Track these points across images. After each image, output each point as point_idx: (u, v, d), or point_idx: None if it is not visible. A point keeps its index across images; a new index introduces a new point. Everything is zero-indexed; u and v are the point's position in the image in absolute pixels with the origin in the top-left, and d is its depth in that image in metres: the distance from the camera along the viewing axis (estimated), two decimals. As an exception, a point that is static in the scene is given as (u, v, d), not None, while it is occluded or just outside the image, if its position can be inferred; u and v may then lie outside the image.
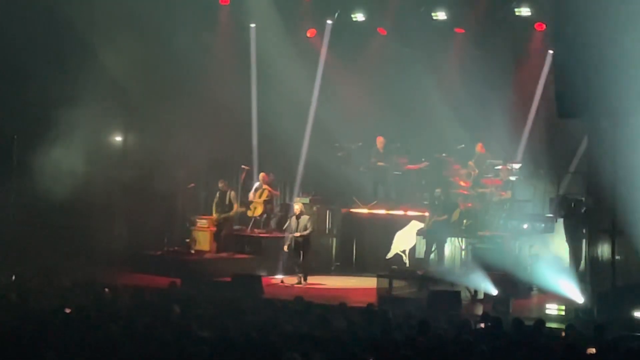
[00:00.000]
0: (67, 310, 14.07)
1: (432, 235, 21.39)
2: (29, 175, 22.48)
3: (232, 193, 23.63)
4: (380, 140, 24.26)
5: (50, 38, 22.85)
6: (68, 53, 23.03)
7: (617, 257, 17.96)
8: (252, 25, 25.92)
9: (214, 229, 23.50)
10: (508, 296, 18.35)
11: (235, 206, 23.65)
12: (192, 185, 24.32)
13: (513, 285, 19.41)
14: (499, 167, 22.97)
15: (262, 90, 25.80)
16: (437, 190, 22.15)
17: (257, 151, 25.82)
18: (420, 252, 21.99)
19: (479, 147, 23.51)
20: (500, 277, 19.32)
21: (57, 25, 22.76)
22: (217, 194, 23.63)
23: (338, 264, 24.19)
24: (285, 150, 25.10)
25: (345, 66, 25.73)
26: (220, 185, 23.68)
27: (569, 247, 20.43)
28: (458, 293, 18.66)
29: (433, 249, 21.51)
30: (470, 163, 23.39)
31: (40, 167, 22.55)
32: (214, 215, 23.52)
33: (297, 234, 21.67)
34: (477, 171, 23.19)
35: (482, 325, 14.09)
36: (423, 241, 21.59)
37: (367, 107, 25.02)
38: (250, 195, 24.10)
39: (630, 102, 16.80)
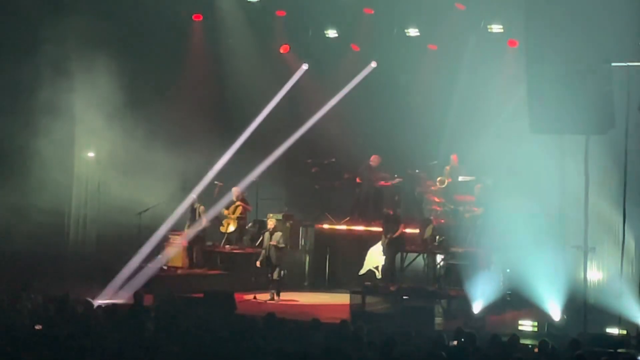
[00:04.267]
0: (38, 327, 13.98)
1: (387, 249, 21.54)
2: (2, 190, 22.36)
3: (202, 207, 23.53)
4: (375, 159, 24.19)
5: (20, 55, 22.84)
6: (42, 66, 23.00)
7: (589, 274, 18.05)
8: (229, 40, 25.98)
9: (186, 244, 23.42)
10: (482, 312, 18.34)
11: (204, 220, 23.53)
12: (164, 201, 24.17)
13: (487, 301, 19.43)
14: (474, 184, 22.98)
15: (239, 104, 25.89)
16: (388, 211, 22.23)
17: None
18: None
19: (453, 158, 23.57)
20: (474, 293, 19.32)
21: (30, 42, 22.75)
22: (189, 209, 23.56)
23: (311, 280, 24.13)
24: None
25: (318, 82, 25.75)
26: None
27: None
28: (431, 309, 18.65)
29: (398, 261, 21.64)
30: (447, 168, 23.43)
31: (12, 181, 22.43)
32: (185, 230, 23.43)
33: (267, 244, 21.62)
34: (450, 179, 23.24)
35: (455, 342, 14.07)
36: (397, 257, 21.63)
37: (340, 123, 25.03)
38: (224, 211, 24.04)
39: (602, 118, 16.89)
